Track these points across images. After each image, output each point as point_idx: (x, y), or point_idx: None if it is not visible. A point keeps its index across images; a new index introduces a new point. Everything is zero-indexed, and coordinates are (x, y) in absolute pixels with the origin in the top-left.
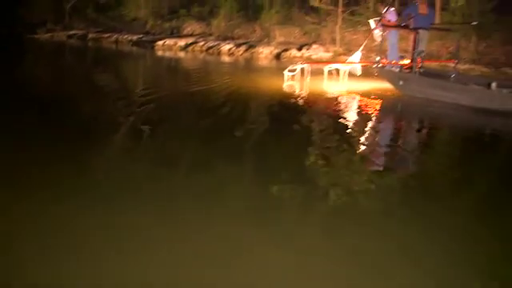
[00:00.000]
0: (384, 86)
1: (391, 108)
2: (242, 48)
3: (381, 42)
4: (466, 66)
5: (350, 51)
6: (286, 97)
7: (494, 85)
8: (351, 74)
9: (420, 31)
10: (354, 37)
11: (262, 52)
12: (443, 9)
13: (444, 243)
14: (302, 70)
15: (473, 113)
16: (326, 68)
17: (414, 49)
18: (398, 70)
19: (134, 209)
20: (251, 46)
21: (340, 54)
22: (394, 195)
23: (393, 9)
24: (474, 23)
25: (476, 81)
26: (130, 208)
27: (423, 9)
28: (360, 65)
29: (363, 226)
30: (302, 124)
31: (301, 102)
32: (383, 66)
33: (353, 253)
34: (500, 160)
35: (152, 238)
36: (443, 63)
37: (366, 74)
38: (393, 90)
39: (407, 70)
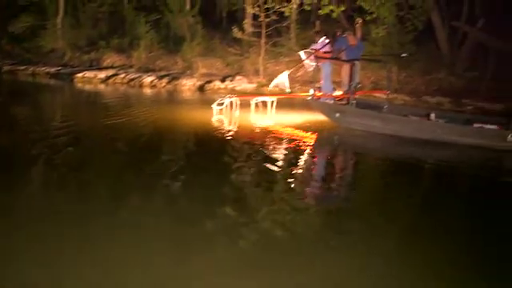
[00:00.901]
0: (316, 118)
1: (327, 141)
2: (165, 80)
3: (312, 71)
4: (389, 96)
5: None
6: (215, 131)
7: (432, 116)
8: (280, 106)
9: (356, 63)
10: (277, 68)
11: (185, 84)
12: (364, 39)
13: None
14: (231, 103)
15: (412, 144)
16: (253, 101)
17: (350, 80)
18: (331, 102)
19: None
20: (174, 78)
21: (264, 85)
22: (315, 231)
23: (328, 40)
24: (404, 55)
25: (412, 111)
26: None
27: (352, 40)
28: (287, 78)
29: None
30: (233, 159)
31: (231, 136)
32: (317, 98)
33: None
34: (429, 190)
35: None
36: (374, 93)
37: (293, 106)
38: (327, 123)
39: (341, 102)
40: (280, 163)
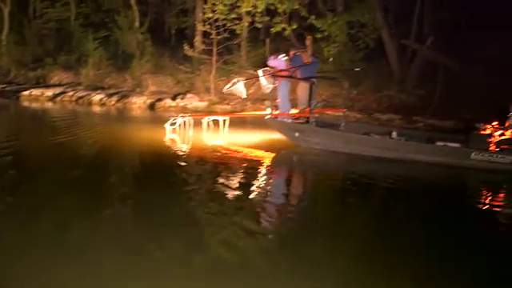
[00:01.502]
0: (272, 137)
1: (285, 161)
2: (114, 98)
3: (270, 91)
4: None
5: (224, 100)
6: (169, 152)
7: (394, 134)
8: (232, 125)
9: (314, 81)
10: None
11: (135, 102)
12: (315, 57)
13: None
14: (184, 122)
15: (374, 163)
16: (205, 120)
17: (310, 99)
18: (290, 121)
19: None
20: (124, 96)
21: (215, 103)
22: (267, 256)
23: (286, 58)
24: (357, 69)
25: (372, 129)
26: None
27: (306, 58)
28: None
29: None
30: (187, 181)
31: (185, 157)
32: (275, 117)
33: None
34: (388, 210)
35: None
36: (330, 111)
37: (246, 124)
38: (285, 142)
39: (298, 121)
40: (237, 185)
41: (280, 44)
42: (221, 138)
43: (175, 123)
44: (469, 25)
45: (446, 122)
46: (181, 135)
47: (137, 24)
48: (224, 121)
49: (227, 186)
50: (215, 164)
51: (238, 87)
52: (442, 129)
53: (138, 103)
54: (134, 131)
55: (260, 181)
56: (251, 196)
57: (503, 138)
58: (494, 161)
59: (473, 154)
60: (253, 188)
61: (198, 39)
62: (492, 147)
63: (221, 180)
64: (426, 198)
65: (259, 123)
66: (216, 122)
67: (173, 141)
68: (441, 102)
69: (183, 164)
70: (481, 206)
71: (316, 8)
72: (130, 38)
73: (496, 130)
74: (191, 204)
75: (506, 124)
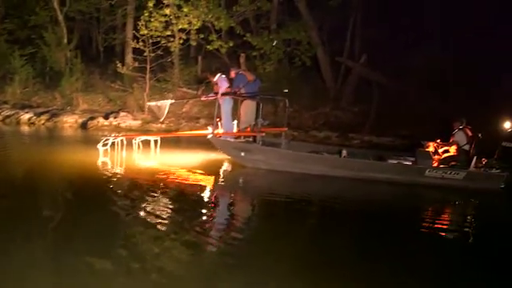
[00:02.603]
0: (211, 157)
1: (229, 183)
2: (44, 117)
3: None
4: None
5: (158, 119)
6: (100, 175)
7: (344, 152)
8: (167, 144)
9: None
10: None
11: (66, 121)
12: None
13: None
14: (117, 142)
15: (325, 182)
16: (136, 140)
17: (257, 117)
18: (233, 140)
19: None
20: (54, 115)
21: (149, 122)
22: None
23: (224, 76)
24: (286, 91)
25: (316, 148)
26: None
27: (250, 76)
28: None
29: None
30: (121, 207)
31: (118, 181)
32: (218, 136)
33: None
34: (334, 232)
35: None
36: (269, 130)
37: (180, 144)
38: (225, 162)
39: (241, 140)
40: (173, 211)
41: (213, 62)
42: (154, 159)
43: (107, 144)
44: (401, 42)
45: (383, 139)
46: (114, 156)
47: (65, 41)
48: (155, 141)
49: (163, 213)
50: (151, 188)
51: (162, 108)
52: (379, 145)
53: (69, 122)
54: (65, 152)
55: (197, 207)
56: (188, 222)
57: (448, 154)
58: (447, 177)
59: (427, 171)
60: (189, 215)
61: (129, 56)
62: (435, 164)
63: (156, 206)
64: (374, 216)
65: (195, 142)
66: (146, 142)
67: (105, 163)
68: (376, 118)
69: (117, 189)
70: (427, 224)
71: (250, 26)
72: (58, 55)
73: (440, 146)
74: (124, 232)
75: (451, 140)
